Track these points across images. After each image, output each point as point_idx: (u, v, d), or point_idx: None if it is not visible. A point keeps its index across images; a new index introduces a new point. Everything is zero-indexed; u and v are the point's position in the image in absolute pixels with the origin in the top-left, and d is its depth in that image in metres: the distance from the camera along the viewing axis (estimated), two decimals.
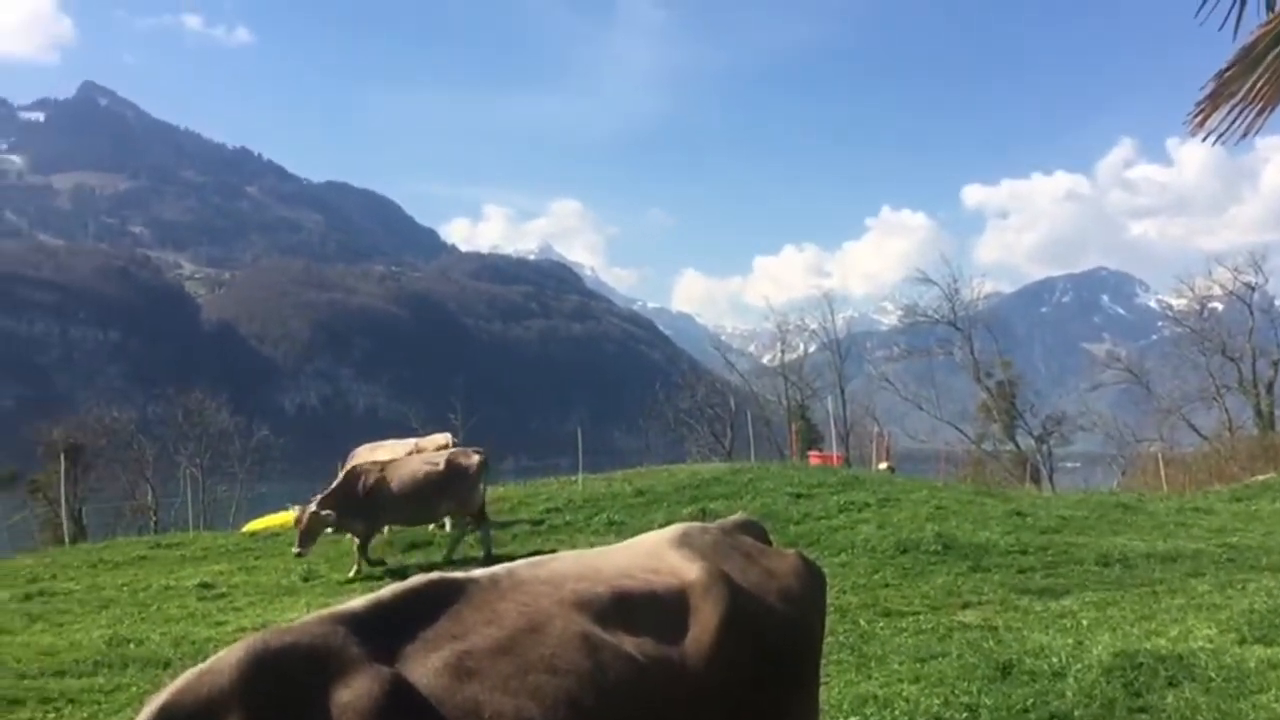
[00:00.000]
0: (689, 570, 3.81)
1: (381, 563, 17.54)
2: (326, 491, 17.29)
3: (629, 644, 3.45)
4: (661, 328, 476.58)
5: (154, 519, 38.29)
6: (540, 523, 20.78)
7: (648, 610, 3.60)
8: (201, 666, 3.23)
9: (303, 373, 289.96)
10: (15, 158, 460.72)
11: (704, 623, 3.68)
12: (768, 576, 4.03)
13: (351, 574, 16.76)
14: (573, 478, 27.49)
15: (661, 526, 14.48)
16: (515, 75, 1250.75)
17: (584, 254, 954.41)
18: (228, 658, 3.15)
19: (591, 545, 17.16)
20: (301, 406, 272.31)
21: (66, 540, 29.24)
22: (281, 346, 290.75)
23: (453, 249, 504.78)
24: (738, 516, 4.69)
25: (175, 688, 3.15)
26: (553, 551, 14.41)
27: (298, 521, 17.03)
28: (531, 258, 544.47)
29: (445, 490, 17.50)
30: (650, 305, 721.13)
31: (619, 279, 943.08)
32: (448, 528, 20.22)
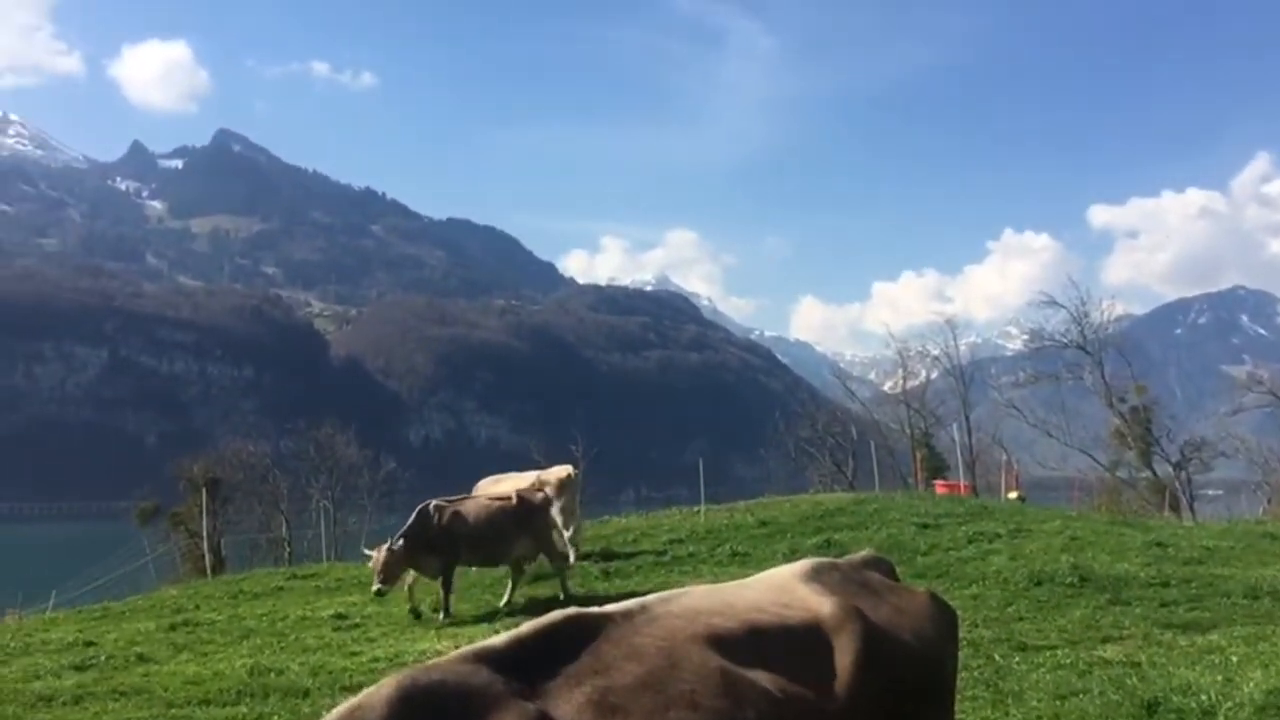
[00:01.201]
0: (822, 605, 3.81)
1: (447, 611, 16.64)
2: (401, 532, 16.95)
3: (764, 680, 3.46)
4: (780, 356, 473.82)
5: (288, 550, 39.26)
6: (663, 554, 20.77)
7: (781, 645, 3.61)
8: (352, 702, 3.32)
9: (426, 406, 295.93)
10: (156, 203, 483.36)
11: (839, 659, 3.67)
12: (898, 613, 4.00)
13: (442, 617, 16.21)
14: (694, 508, 27.43)
15: (785, 558, 14.42)
16: (629, 109, 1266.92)
17: (701, 284, 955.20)
18: (378, 694, 3.24)
19: (715, 577, 17.15)
20: (426, 439, 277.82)
21: (208, 572, 30.25)
22: (406, 380, 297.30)
23: (570, 281, 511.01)
24: (865, 552, 4.66)
25: None
26: (678, 583, 14.37)
27: (376, 561, 16.58)
28: (649, 288, 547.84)
29: (519, 526, 17.15)
30: (768, 334, 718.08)
31: (736, 308, 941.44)
32: (573, 559, 20.40)
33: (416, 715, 3.13)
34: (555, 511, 21.18)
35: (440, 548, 16.65)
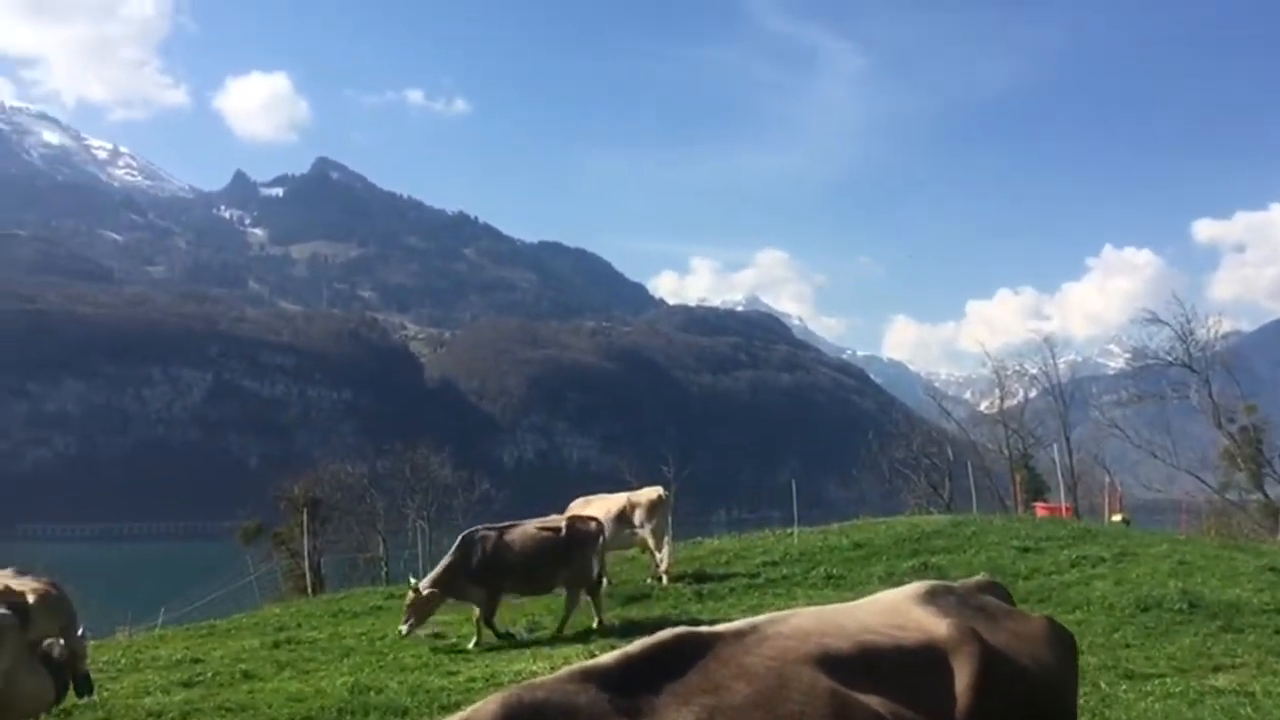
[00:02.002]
0: (937, 627, 3.73)
1: (509, 635, 16.57)
2: (444, 562, 16.84)
3: (876, 702, 3.40)
4: (873, 376, 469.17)
5: (385, 570, 39.80)
6: (756, 576, 20.61)
7: (895, 667, 3.54)
8: (459, 716, 3.34)
9: (519, 427, 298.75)
10: (258, 230, 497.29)
11: (955, 682, 3.59)
12: (1016, 638, 3.91)
13: (472, 645, 15.96)
14: (788, 530, 27.19)
15: (881, 581, 14.24)
16: (719, 129, 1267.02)
17: (791, 304, 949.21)
18: (483, 711, 3.25)
19: (809, 600, 16.97)
20: (519, 460, 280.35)
21: (309, 590, 30.80)
22: (499, 402, 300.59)
23: (661, 303, 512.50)
24: (980, 577, 4.57)
25: None
26: (771, 606, 14.25)
27: (408, 600, 16.47)
28: (739, 309, 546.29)
29: (567, 555, 16.81)
30: (860, 353, 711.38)
31: (828, 328, 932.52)
32: (665, 580, 20.34)
33: None
34: (646, 533, 21.19)
35: (483, 578, 16.41)
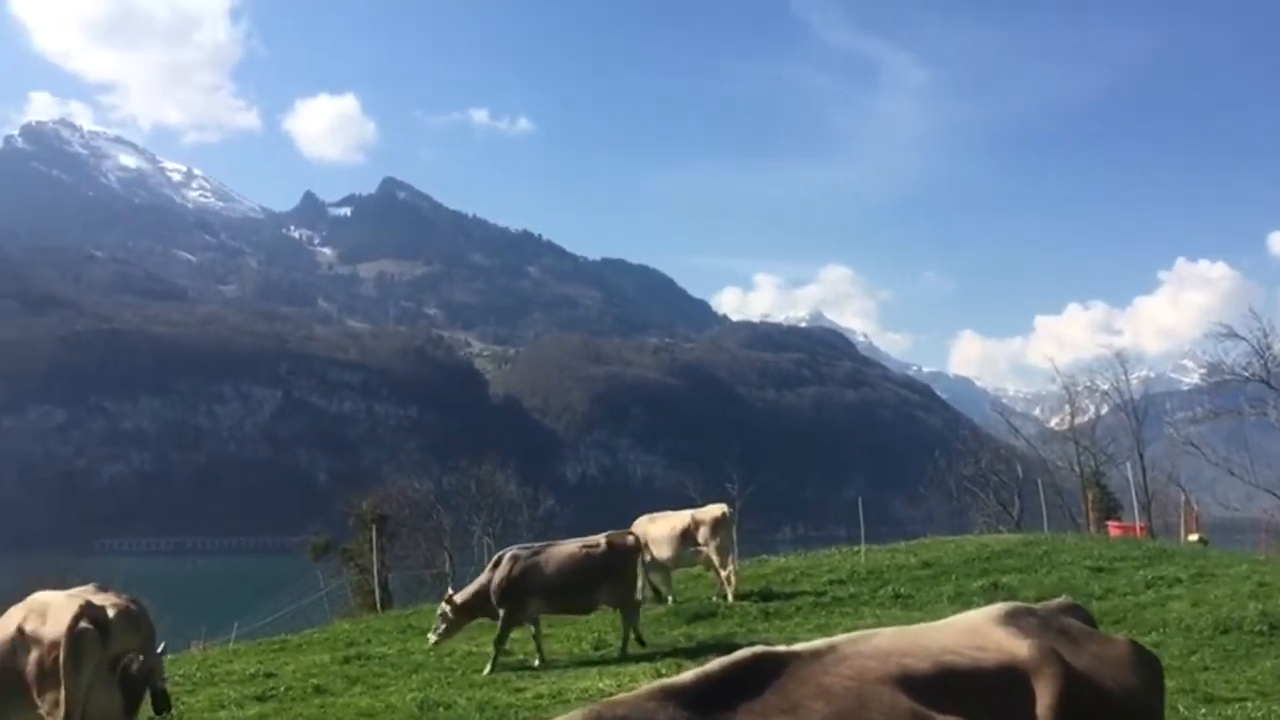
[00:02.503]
0: (1019, 648, 3.69)
1: (500, 659, 15.93)
2: (479, 580, 16.67)
3: None
4: (939, 392, 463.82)
5: (451, 586, 40.02)
6: (823, 594, 20.45)
7: (975, 688, 3.51)
8: None
9: (583, 444, 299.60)
10: (327, 250, 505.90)
11: (1037, 703, 3.54)
12: (1099, 660, 3.84)
13: (488, 670, 15.55)
14: (854, 548, 26.97)
15: (950, 601, 14.03)
16: (782, 145, 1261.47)
17: (856, 320, 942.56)
18: None
19: (877, 619, 16.81)
20: (583, 476, 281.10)
21: (378, 606, 31.13)
22: (563, 418, 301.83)
23: (724, 319, 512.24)
24: (1061, 599, 4.51)
25: None
26: (839, 625, 14.12)
27: (440, 616, 16.54)
28: (803, 325, 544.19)
29: (605, 575, 16.48)
30: (926, 369, 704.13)
31: (892, 344, 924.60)
32: (730, 598, 20.25)
33: None
34: (711, 551, 21.12)
35: (511, 595, 16.17)
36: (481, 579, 16.53)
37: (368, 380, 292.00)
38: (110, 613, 8.62)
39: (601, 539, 16.95)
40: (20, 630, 8.77)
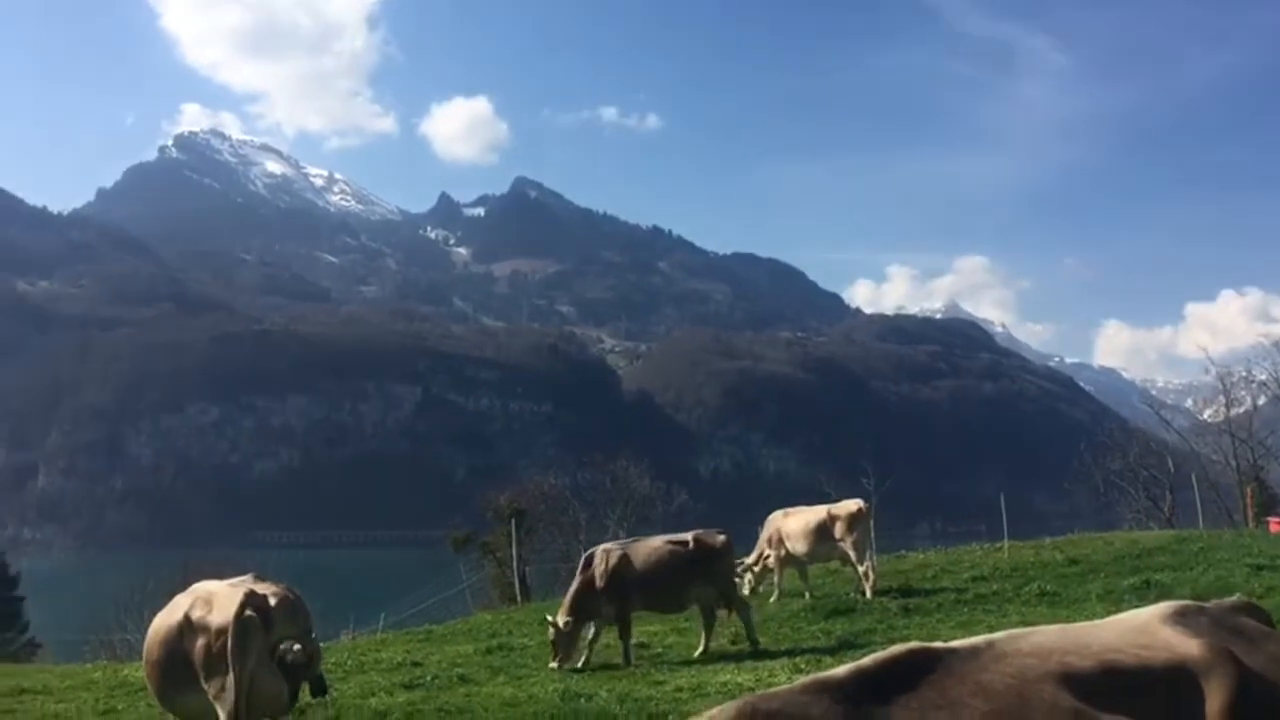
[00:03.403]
0: (1188, 647, 3.55)
1: (629, 658, 15.94)
2: (573, 586, 16.53)
3: None
4: (1083, 384, 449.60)
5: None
6: (964, 591, 20.05)
7: (1141, 688, 3.40)
8: None
9: (715, 438, 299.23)
10: (461, 250, 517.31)
11: (1207, 704, 3.41)
12: (1276, 663, 3.66)
13: (624, 663, 15.66)
14: (996, 544, 26.38)
15: (1100, 599, 13.56)
16: (915, 135, 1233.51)
17: (993, 310, 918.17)
18: (719, 717, 3.32)
19: (1022, 617, 16.39)
20: (715, 471, 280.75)
21: (518, 599, 31.71)
22: (695, 413, 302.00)
23: (856, 312, 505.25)
24: (1235, 598, 4.32)
25: None
26: (982, 623, 13.78)
27: (550, 637, 16.21)
28: (938, 317, 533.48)
29: (693, 572, 16.27)
30: (1069, 360, 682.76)
31: (1033, 334, 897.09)
32: (870, 594, 20.00)
33: None
34: (847, 546, 20.90)
35: (612, 591, 16.08)
36: (576, 582, 16.46)
37: (503, 377, 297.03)
38: (272, 601, 8.96)
39: (690, 536, 16.79)
40: (187, 618, 9.18)
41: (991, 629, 3.75)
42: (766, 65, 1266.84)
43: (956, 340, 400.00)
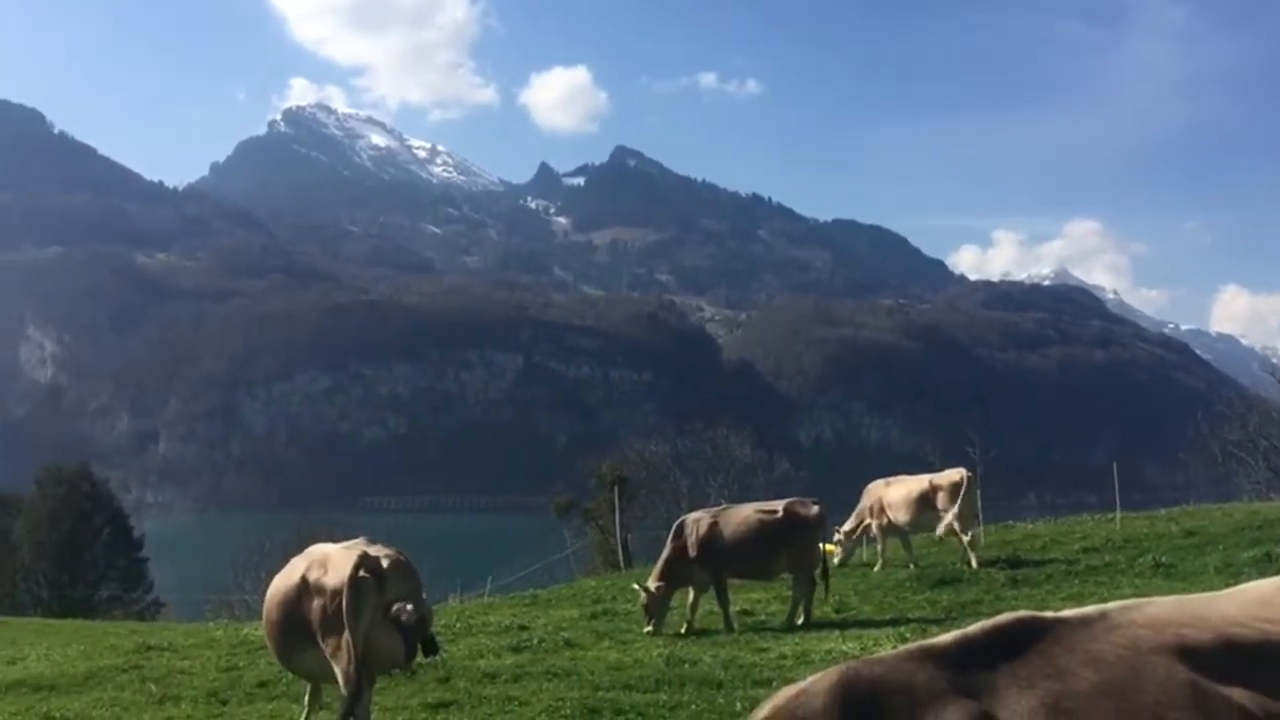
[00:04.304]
0: None
1: (730, 626, 16.08)
2: (663, 556, 16.66)
3: (1242, 696, 3.21)
4: (1199, 351, 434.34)
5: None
6: (1075, 562, 19.70)
7: (1263, 663, 3.32)
8: (796, 687, 3.44)
9: (816, 407, 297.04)
10: (562, 219, 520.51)
11: None
12: None
13: (684, 628, 15.98)
14: (1108, 515, 25.79)
15: (1218, 572, 13.20)
16: (1022, 96, 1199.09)
17: (1105, 276, 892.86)
18: (821, 682, 3.34)
19: (1136, 590, 16.03)
20: (816, 440, 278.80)
21: (620, 565, 32.06)
22: (795, 382, 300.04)
23: (961, 279, 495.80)
24: None
25: (772, 704, 3.39)
26: (1094, 595, 13.52)
27: (641, 603, 16.45)
28: (1046, 283, 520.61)
29: (783, 541, 16.31)
30: (1184, 327, 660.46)
31: (1147, 300, 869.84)
32: (975, 564, 19.74)
33: (856, 704, 3.20)
34: (950, 516, 20.64)
35: (703, 559, 16.21)
36: (668, 550, 16.61)
37: (603, 346, 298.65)
38: (384, 563, 9.23)
39: (780, 505, 16.80)
40: (304, 580, 9.52)
41: (1103, 601, 3.69)
42: (869, 26, 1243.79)
43: (1065, 307, 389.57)
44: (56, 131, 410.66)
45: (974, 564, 19.88)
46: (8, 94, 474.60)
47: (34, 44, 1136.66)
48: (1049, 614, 3.47)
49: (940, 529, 20.47)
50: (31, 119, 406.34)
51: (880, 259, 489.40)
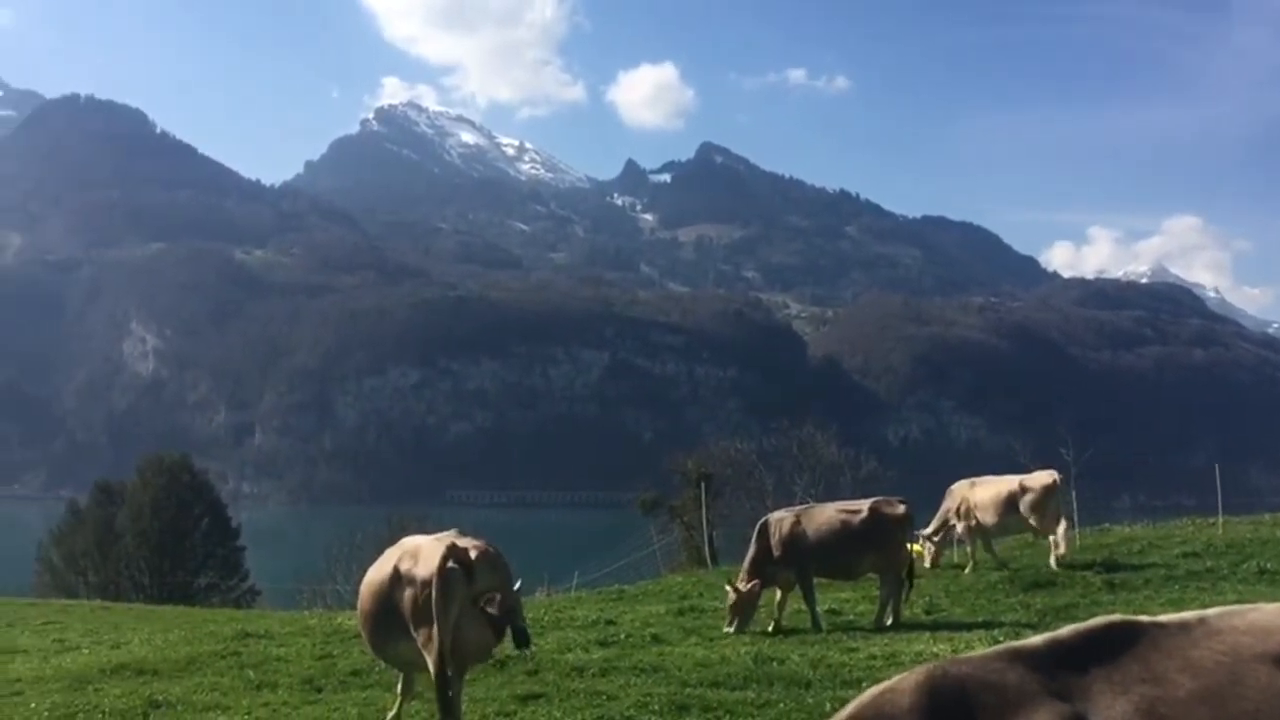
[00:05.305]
0: None
1: (818, 625, 15.99)
2: (749, 553, 16.55)
3: None
4: None
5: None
6: (1174, 567, 19.22)
7: None
8: (883, 685, 3.46)
9: (904, 405, 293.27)
10: (648, 216, 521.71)
11: None
12: None
13: (772, 627, 15.85)
14: (1209, 519, 25.10)
15: None
16: (1118, 88, 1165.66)
17: (1205, 273, 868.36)
18: (908, 680, 3.36)
19: (1239, 596, 15.58)
20: (904, 439, 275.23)
21: (706, 562, 32.05)
22: (883, 380, 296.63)
23: (1054, 276, 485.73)
24: None
25: (859, 703, 3.41)
26: (1194, 600, 13.21)
27: (728, 601, 16.33)
28: (1143, 280, 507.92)
29: (867, 541, 16.16)
30: None
31: (1249, 299, 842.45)
32: (1055, 565, 19.38)
33: (943, 703, 3.21)
34: (1036, 519, 20.26)
35: (788, 559, 16.16)
36: (753, 550, 16.55)
37: (689, 342, 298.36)
38: (473, 554, 9.39)
39: (865, 504, 16.66)
40: (396, 570, 9.74)
41: (1204, 607, 3.64)
42: (959, 19, 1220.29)
43: (1164, 305, 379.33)
44: (158, 131, 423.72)
45: (1053, 564, 19.63)
46: (113, 95, 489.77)
47: (137, 47, 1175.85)
48: (1145, 618, 3.43)
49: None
50: (135, 119, 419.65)
51: (970, 256, 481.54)
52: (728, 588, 16.52)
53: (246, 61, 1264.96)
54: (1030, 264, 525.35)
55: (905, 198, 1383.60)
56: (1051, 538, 20.21)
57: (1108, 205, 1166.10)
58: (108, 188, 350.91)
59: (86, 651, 17.14)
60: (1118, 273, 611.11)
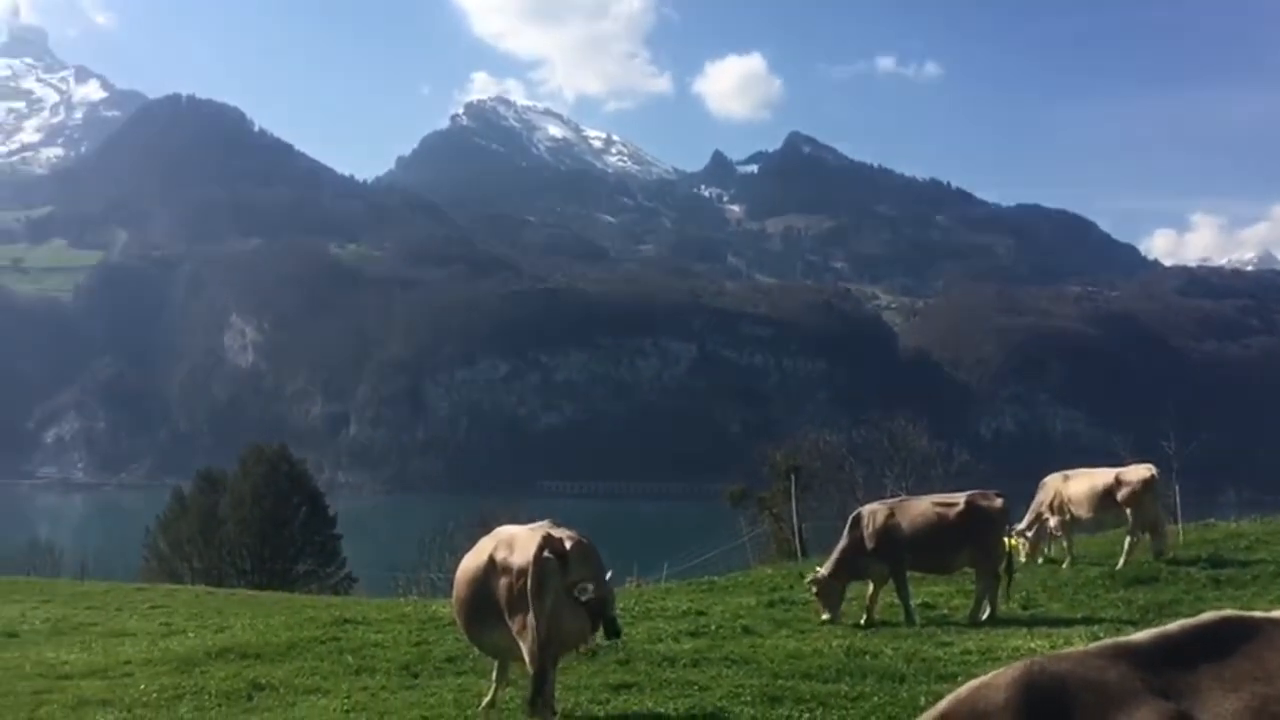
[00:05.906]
0: None
1: (911, 618, 15.79)
2: (839, 547, 16.38)
3: None
4: None
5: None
6: None
7: None
8: (979, 680, 3.45)
9: (998, 397, 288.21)
10: (735, 207, 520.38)
11: None
12: None
13: (864, 620, 15.75)
14: None
15: None
16: (1225, 70, 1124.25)
17: None
18: (1005, 675, 3.34)
19: None
20: (998, 432, 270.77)
21: (797, 554, 31.91)
22: (976, 372, 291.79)
23: (1154, 264, 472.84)
24: None
25: (954, 698, 3.40)
26: None
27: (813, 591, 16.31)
28: (1249, 269, 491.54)
29: (964, 535, 15.86)
30: None
31: None
32: (1121, 563, 18.91)
33: (1040, 700, 3.18)
34: (1132, 513, 19.76)
35: (881, 552, 15.99)
36: (844, 542, 16.41)
37: (777, 334, 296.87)
38: (567, 544, 9.53)
39: (962, 498, 16.39)
40: (491, 559, 9.92)
41: None
42: (1052, 4, 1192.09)
43: (1271, 294, 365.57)
44: (256, 130, 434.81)
45: (1121, 562, 19.17)
46: (212, 94, 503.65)
47: (235, 47, 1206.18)
48: (1257, 614, 3.36)
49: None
50: (234, 118, 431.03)
51: (1066, 244, 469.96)
52: (815, 572, 16.49)
53: (341, 61, 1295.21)
54: (1130, 252, 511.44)
55: (998, 186, 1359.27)
56: (1144, 535, 19.74)
57: (1211, 191, 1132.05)
58: (208, 185, 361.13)
59: (192, 635, 17.73)
60: (1222, 260, 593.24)
